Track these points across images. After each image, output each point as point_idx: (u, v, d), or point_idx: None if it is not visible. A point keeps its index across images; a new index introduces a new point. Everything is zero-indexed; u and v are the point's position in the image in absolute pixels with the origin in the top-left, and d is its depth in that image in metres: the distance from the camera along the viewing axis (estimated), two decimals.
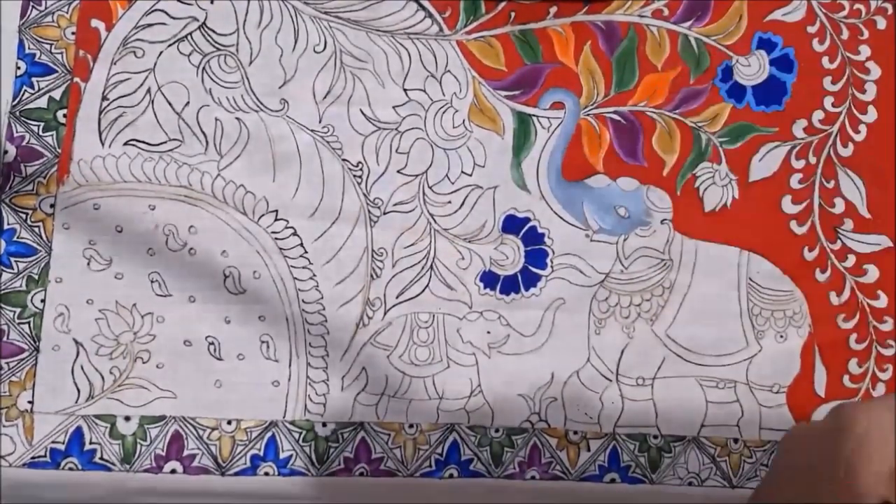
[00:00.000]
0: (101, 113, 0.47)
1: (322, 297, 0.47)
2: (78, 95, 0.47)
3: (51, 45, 0.48)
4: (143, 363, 0.46)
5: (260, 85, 0.48)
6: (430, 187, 0.49)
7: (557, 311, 0.48)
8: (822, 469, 0.31)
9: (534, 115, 0.50)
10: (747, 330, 0.49)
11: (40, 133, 0.47)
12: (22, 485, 0.45)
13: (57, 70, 0.48)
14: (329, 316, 0.47)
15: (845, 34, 0.52)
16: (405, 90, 0.49)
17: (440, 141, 0.49)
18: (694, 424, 0.48)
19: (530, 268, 0.48)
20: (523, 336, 0.48)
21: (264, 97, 0.48)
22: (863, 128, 0.52)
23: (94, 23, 0.48)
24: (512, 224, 0.49)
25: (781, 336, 0.49)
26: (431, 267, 0.48)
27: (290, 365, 0.47)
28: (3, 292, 0.46)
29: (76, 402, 0.45)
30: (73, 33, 0.48)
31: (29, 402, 0.45)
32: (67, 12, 0.48)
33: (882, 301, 0.51)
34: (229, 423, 0.46)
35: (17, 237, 0.46)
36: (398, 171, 0.49)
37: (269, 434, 0.46)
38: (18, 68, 0.47)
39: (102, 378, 0.46)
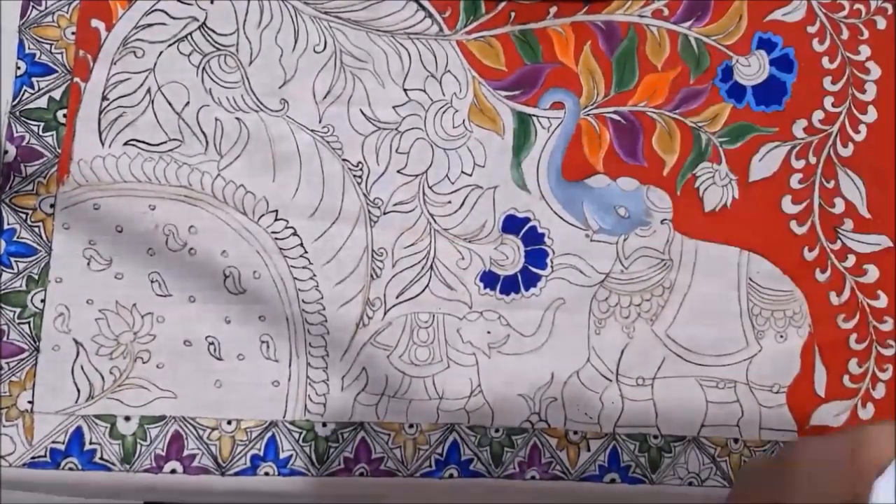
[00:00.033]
0: (101, 113, 0.47)
1: (322, 297, 0.47)
2: (78, 95, 0.47)
3: (51, 45, 0.48)
4: (143, 363, 0.46)
5: (260, 85, 0.48)
6: (430, 187, 0.49)
7: (557, 311, 0.48)
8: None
9: (534, 115, 0.50)
10: (747, 330, 0.49)
11: (40, 133, 0.47)
12: (22, 485, 0.45)
13: (57, 70, 0.48)
14: (329, 316, 0.47)
15: (845, 34, 0.52)
16: (405, 90, 0.49)
17: (440, 141, 0.49)
18: (694, 424, 0.48)
19: (530, 268, 0.48)
20: (523, 336, 0.48)
21: (264, 97, 0.48)
22: (863, 128, 0.52)
23: (94, 23, 0.48)
24: (512, 224, 0.49)
25: (781, 336, 0.49)
26: (431, 267, 0.48)
27: (290, 365, 0.47)
28: (3, 292, 0.46)
29: (76, 402, 0.45)
30: (73, 33, 0.48)
31: (29, 402, 0.45)
32: (67, 12, 0.48)
33: (882, 301, 0.51)
34: (229, 423, 0.46)
35: (17, 237, 0.46)
36: (398, 171, 0.49)
37: (269, 434, 0.46)
38: (18, 68, 0.47)
39: (102, 378, 0.46)
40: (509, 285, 0.48)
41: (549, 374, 0.48)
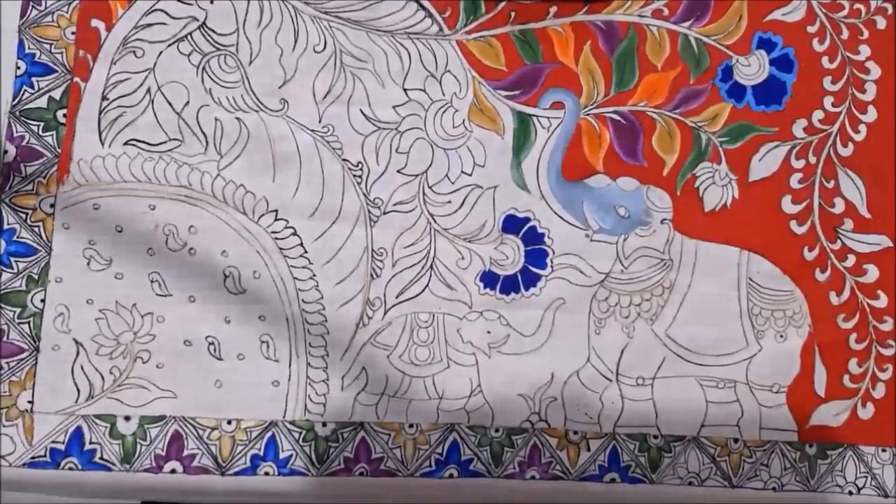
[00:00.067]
0: (100, 113, 0.47)
1: (322, 297, 0.47)
2: (78, 95, 0.47)
3: (51, 44, 0.48)
4: (143, 363, 0.46)
5: (260, 85, 0.48)
6: (430, 187, 0.49)
7: (557, 311, 0.48)
8: None
9: (534, 115, 0.50)
10: (747, 330, 0.49)
11: (40, 133, 0.47)
12: (22, 485, 0.45)
13: (57, 70, 0.48)
14: (329, 316, 0.47)
15: (845, 34, 0.52)
16: (405, 90, 0.49)
17: (440, 141, 0.49)
18: (694, 424, 0.48)
19: (530, 268, 0.48)
20: (523, 336, 0.48)
21: (264, 97, 0.48)
22: (863, 128, 0.52)
23: (94, 23, 0.48)
24: (512, 224, 0.49)
25: (781, 336, 0.49)
26: (431, 267, 0.48)
27: (290, 365, 0.47)
28: (3, 292, 0.46)
29: (76, 401, 0.45)
30: (73, 33, 0.48)
31: (29, 401, 0.45)
32: (67, 12, 0.48)
33: (882, 301, 0.51)
34: (229, 422, 0.46)
35: (17, 237, 0.46)
36: (398, 171, 0.49)
37: (269, 434, 0.46)
38: (18, 68, 0.47)
39: (102, 378, 0.46)
40: (509, 285, 0.48)
41: (549, 374, 0.48)
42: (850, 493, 0.48)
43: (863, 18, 0.52)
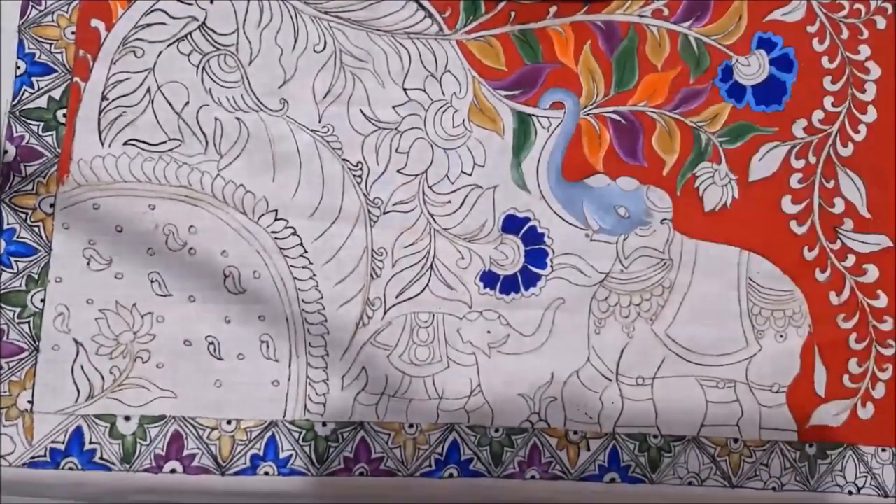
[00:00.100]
0: (100, 112, 0.47)
1: (322, 297, 0.47)
2: (78, 95, 0.47)
3: (51, 44, 0.48)
4: (143, 363, 0.46)
5: (260, 85, 0.48)
6: (429, 187, 0.49)
7: (557, 311, 0.48)
8: None
9: (534, 115, 0.50)
10: (747, 330, 0.49)
11: (40, 133, 0.47)
12: (22, 484, 0.45)
13: (57, 70, 0.48)
14: (329, 316, 0.47)
15: (845, 34, 0.52)
16: (405, 90, 0.49)
17: (440, 141, 0.49)
18: (694, 424, 0.48)
19: (530, 267, 0.48)
20: (523, 336, 0.48)
21: (264, 97, 0.48)
22: (862, 127, 0.52)
23: (94, 22, 0.48)
24: (512, 224, 0.49)
25: (781, 336, 0.49)
26: (431, 267, 0.48)
27: (290, 365, 0.47)
28: (2, 292, 0.46)
29: (76, 401, 0.45)
30: (72, 33, 0.48)
31: (29, 401, 0.45)
32: (67, 12, 0.48)
33: (882, 301, 0.51)
34: (229, 422, 0.46)
35: (17, 237, 0.46)
36: (398, 171, 0.49)
37: (268, 434, 0.46)
38: (18, 68, 0.47)
39: (102, 378, 0.46)
40: (509, 285, 0.48)
41: (549, 374, 0.48)
42: (850, 492, 0.48)
43: (863, 18, 0.52)
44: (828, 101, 0.52)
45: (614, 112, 0.50)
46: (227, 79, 0.48)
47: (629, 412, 0.48)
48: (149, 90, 0.48)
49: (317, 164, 0.48)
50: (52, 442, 0.45)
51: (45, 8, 0.48)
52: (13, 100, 0.47)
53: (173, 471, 0.45)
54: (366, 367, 0.47)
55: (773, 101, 0.51)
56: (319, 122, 0.48)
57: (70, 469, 0.45)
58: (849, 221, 0.51)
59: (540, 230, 0.49)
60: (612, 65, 0.50)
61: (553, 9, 0.51)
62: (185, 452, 0.46)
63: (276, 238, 0.47)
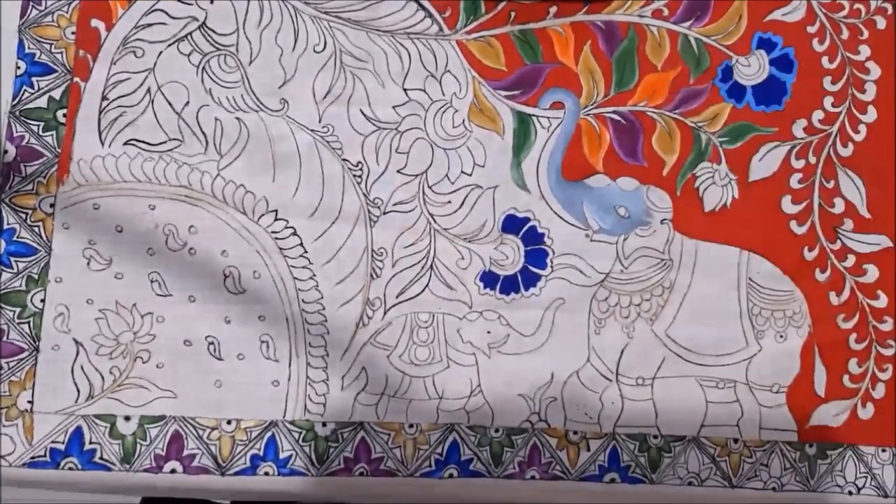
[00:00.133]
0: (100, 113, 0.47)
1: (322, 297, 0.47)
2: (78, 95, 0.47)
3: (51, 44, 0.48)
4: (143, 363, 0.46)
5: (260, 85, 0.48)
6: (429, 187, 0.49)
7: (557, 311, 0.48)
8: None
9: (534, 115, 0.50)
10: (747, 330, 0.49)
11: (40, 133, 0.47)
12: (22, 484, 0.45)
13: (57, 70, 0.48)
14: (329, 316, 0.47)
15: (845, 34, 0.52)
16: (405, 90, 0.49)
17: (440, 141, 0.49)
18: (694, 424, 0.48)
19: (530, 268, 0.48)
20: (523, 336, 0.48)
21: (264, 97, 0.48)
22: (863, 128, 0.52)
23: (94, 22, 0.48)
24: (512, 224, 0.49)
25: (781, 336, 0.49)
26: (431, 267, 0.48)
27: (289, 365, 0.47)
28: (2, 292, 0.46)
29: (76, 401, 0.45)
30: (72, 33, 0.48)
31: (29, 401, 0.45)
32: (67, 12, 0.48)
33: (882, 301, 0.51)
34: (229, 422, 0.46)
35: (17, 237, 0.46)
36: (398, 171, 0.49)
37: (268, 434, 0.46)
38: (18, 68, 0.47)
39: (102, 378, 0.46)
40: (509, 285, 0.48)
41: (549, 374, 0.48)
42: (850, 493, 0.48)
43: (863, 18, 0.52)
44: (828, 102, 0.52)
45: (614, 112, 0.50)
46: (228, 79, 0.48)
47: (629, 412, 0.48)
48: (149, 90, 0.48)
49: (317, 164, 0.48)
50: (52, 442, 0.45)
51: (46, 8, 0.48)
52: (13, 100, 0.47)
53: (173, 471, 0.45)
54: (366, 368, 0.47)
55: (773, 102, 0.51)
56: (319, 122, 0.48)
57: (70, 469, 0.45)
58: (849, 221, 0.51)
59: (540, 230, 0.49)
60: (612, 65, 0.50)
61: (553, 9, 0.50)
62: (185, 452, 0.46)
63: (276, 238, 0.47)
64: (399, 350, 0.47)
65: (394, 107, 0.49)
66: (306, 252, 0.47)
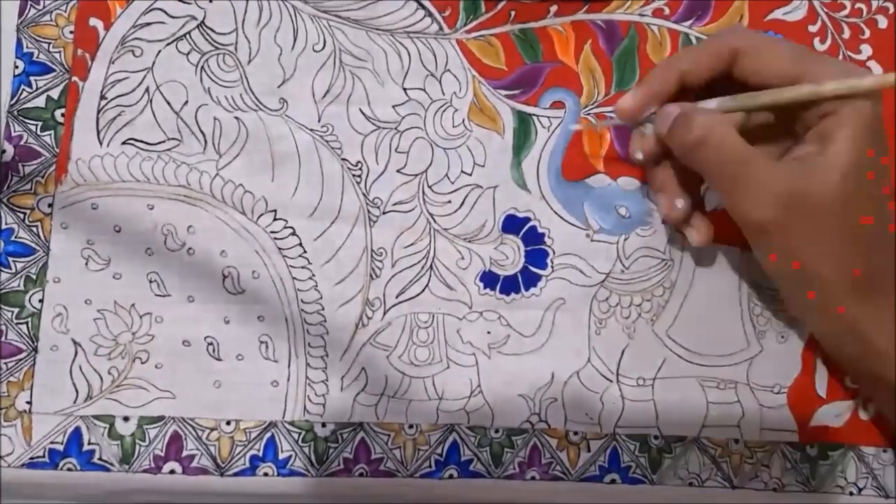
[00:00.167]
0: (99, 112, 0.47)
1: (321, 297, 0.47)
2: (76, 94, 0.47)
3: (49, 43, 0.48)
4: (142, 363, 0.46)
5: (259, 84, 0.48)
6: (429, 187, 0.48)
7: (558, 311, 0.48)
8: None
9: (534, 115, 0.49)
10: (748, 330, 0.49)
11: (38, 132, 0.47)
12: (20, 485, 0.45)
13: (55, 69, 0.47)
14: (328, 316, 0.47)
15: (846, 33, 0.52)
16: (405, 89, 0.49)
17: (440, 140, 0.49)
18: (695, 425, 0.48)
19: (530, 268, 0.48)
20: (523, 336, 0.48)
21: (263, 96, 0.48)
22: None
23: (93, 21, 0.48)
24: (512, 224, 0.49)
25: (782, 336, 0.49)
26: (431, 267, 0.48)
27: (289, 365, 0.47)
28: (1, 292, 0.46)
29: (74, 402, 0.45)
30: (71, 32, 0.48)
31: (27, 402, 0.45)
32: (66, 11, 0.48)
33: None
34: (228, 423, 0.46)
35: (15, 237, 0.46)
36: (398, 171, 0.48)
37: (268, 434, 0.46)
38: (16, 67, 0.47)
39: (101, 378, 0.46)
40: (509, 285, 0.48)
41: (549, 375, 0.47)
42: (851, 493, 0.48)
43: (864, 18, 0.52)
44: None
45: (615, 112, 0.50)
46: (226, 78, 0.48)
47: (630, 413, 0.48)
48: (147, 89, 0.48)
49: (316, 163, 0.48)
50: (51, 442, 0.45)
51: (44, 7, 0.48)
52: (11, 99, 0.47)
53: (172, 471, 0.45)
54: (365, 368, 0.47)
55: None
56: (319, 121, 0.48)
57: (69, 470, 0.45)
58: None
59: (540, 230, 0.49)
60: (612, 64, 0.50)
61: (553, 8, 0.50)
62: (185, 453, 0.45)
63: (275, 238, 0.47)
64: (399, 350, 0.47)
65: (393, 106, 0.49)
66: (305, 252, 0.47)
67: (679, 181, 0.45)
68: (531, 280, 0.48)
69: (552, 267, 0.48)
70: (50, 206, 0.46)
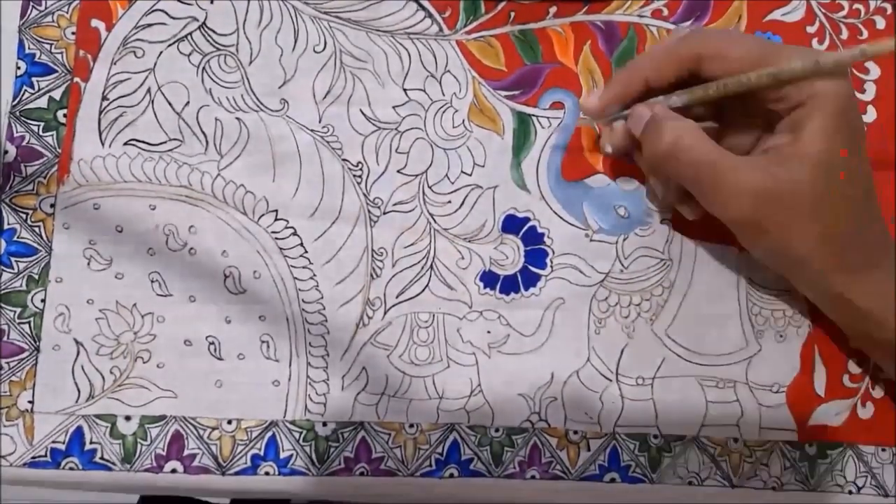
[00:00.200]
0: (101, 113, 0.47)
1: (322, 297, 0.47)
2: (78, 95, 0.47)
3: (51, 44, 0.48)
4: (144, 363, 0.46)
5: (260, 85, 0.48)
6: (429, 187, 0.49)
7: (557, 311, 0.48)
8: None
9: (534, 115, 0.50)
10: (747, 330, 0.49)
11: (40, 133, 0.47)
12: (22, 484, 0.45)
13: (57, 70, 0.48)
14: (329, 316, 0.47)
15: (845, 34, 0.52)
16: (405, 90, 0.49)
17: (440, 141, 0.49)
18: (694, 424, 0.48)
19: (530, 268, 0.49)
20: (523, 336, 0.48)
21: (264, 97, 0.48)
22: None
23: (95, 23, 0.48)
24: (512, 224, 0.49)
25: (781, 336, 0.49)
26: (431, 267, 0.48)
27: (290, 365, 0.47)
28: (3, 292, 0.46)
29: (76, 401, 0.45)
30: (73, 33, 0.48)
31: (29, 401, 0.45)
32: (67, 12, 0.48)
33: None
34: (230, 422, 0.46)
35: (18, 237, 0.46)
36: (398, 171, 0.49)
37: (269, 434, 0.46)
38: (18, 68, 0.47)
39: (103, 378, 0.46)
40: (509, 285, 0.48)
41: (549, 374, 0.48)
42: (850, 492, 0.48)
43: (862, 18, 0.52)
44: None
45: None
46: (228, 79, 0.48)
47: (629, 412, 0.48)
48: (149, 90, 0.48)
49: (317, 164, 0.48)
50: (53, 442, 0.45)
51: (46, 8, 0.48)
52: (13, 100, 0.47)
53: (174, 470, 0.45)
54: (366, 367, 0.47)
55: None
56: (319, 122, 0.48)
57: (71, 469, 0.45)
58: None
59: (540, 230, 0.49)
60: (611, 65, 0.50)
61: (553, 9, 0.51)
62: (186, 452, 0.46)
63: (276, 238, 0.47)
64: (399, 350, 0.47)
65: (394, 107, 0.49)
66: (306, 252, 0.47)
67: None
68: (531, 280, 0.48)
69: (552, 267, 0.49)
70: (52, 206, 0.46)
